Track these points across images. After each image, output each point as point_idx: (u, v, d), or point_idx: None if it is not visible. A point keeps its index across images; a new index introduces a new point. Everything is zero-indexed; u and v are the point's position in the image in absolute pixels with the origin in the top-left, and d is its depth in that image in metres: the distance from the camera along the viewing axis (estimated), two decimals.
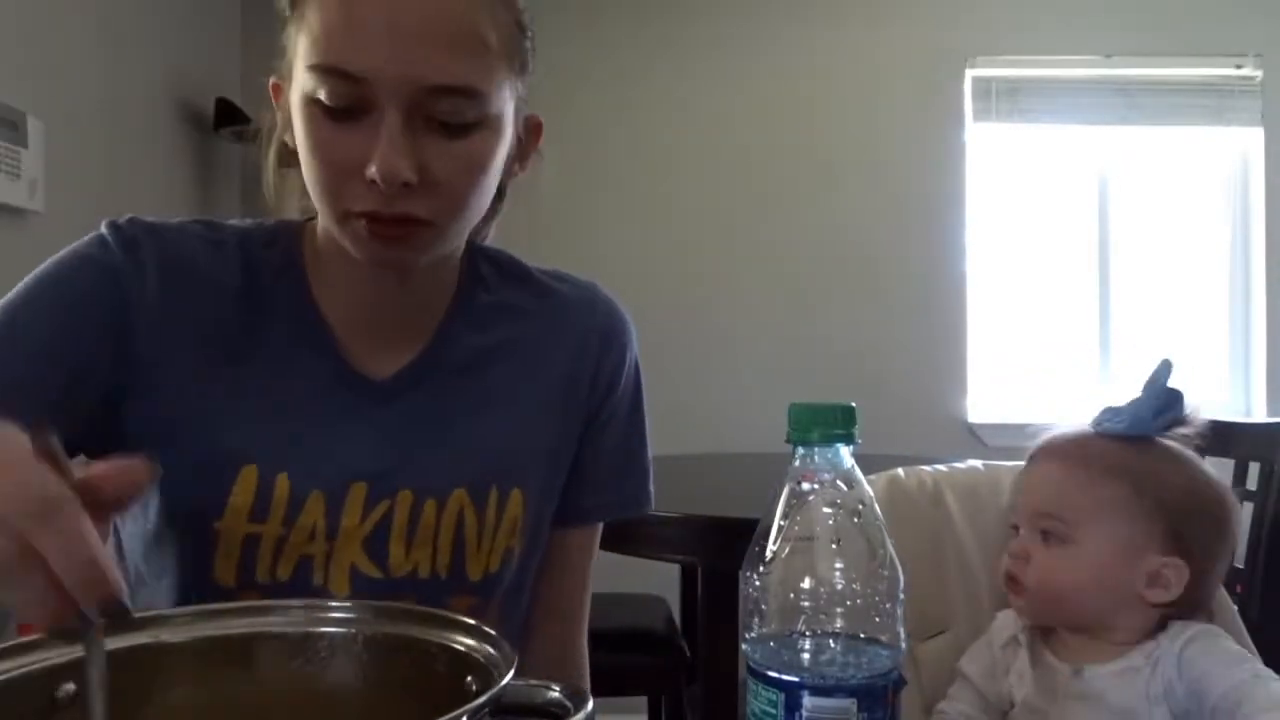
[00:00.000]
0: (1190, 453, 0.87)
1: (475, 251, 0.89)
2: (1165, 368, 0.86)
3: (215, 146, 2.98)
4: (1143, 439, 0.86)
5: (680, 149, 3.22)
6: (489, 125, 0.73)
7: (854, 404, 0.54)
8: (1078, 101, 3.25)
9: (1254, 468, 1.89)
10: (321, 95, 0.69)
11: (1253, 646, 0.92)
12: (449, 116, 0.70)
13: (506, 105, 0.75)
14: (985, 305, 3.26)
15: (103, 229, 0.77)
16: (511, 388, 0.85)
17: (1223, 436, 2.00)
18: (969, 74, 3.22)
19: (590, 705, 0.47)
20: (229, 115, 2.86)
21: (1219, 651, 0.79)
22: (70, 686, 0.49)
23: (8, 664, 0.48)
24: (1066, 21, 3.19)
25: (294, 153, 0.75)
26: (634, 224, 3.21)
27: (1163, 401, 0.85)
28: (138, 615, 0.52)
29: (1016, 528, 0.89)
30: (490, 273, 0.89)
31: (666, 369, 3.16)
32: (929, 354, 3.18)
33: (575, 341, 0.88)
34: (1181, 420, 0.86)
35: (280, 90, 0.77)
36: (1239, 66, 3.19)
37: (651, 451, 0.94)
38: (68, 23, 2.20)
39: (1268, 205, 3.20)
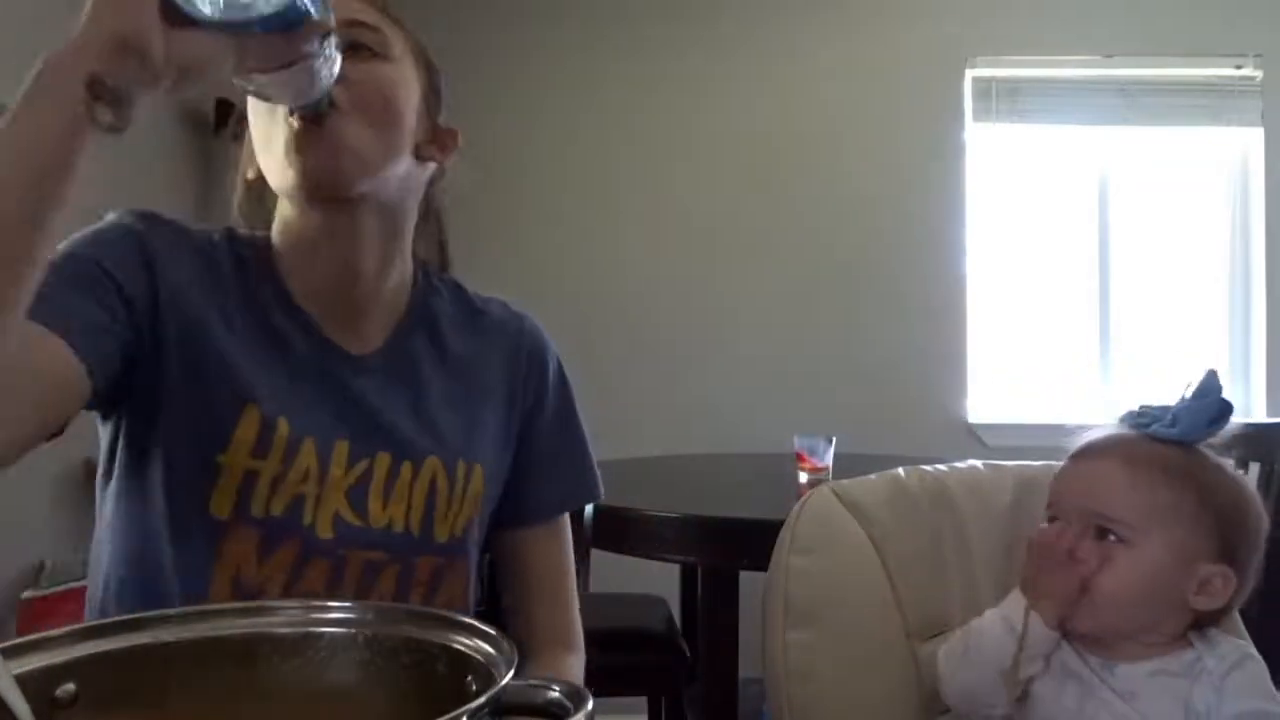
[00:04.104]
0: (1228, 461, 0.88)
1: (424, 268, 0.99)
2: (1213, 378, 0.86)
3: (215, 147, 2.97)
4: (1187, 446, 0.86)
5: (680, 150, 3.22)
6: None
7: None
8: (1078, 101, 3.25)
9: (1254, 468, 1.89)
10: None
11: (1253, 647, 0.92)
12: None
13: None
14: (985, 305, 3.25)
15: (111, 215, 0.84)
16: (465, 383, 0.95)
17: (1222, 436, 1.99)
18: (969, 74, 3.22)
19: (590, 705, 0.47)
20: (229, 116, 2.86)
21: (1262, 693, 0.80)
22: (70, 686, 0.49)
23: (8, 664, 0.48)
24: (1066, 21, 3.19)
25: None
26: (633, 225, 3.21)
27: (1216, 411, 0.85)
28: (137, 616, 0.52)
29: (1054, 519, 0.88)
30: (440, 286, 0.99)
31: (667, 370, 3.17)
32: (929, 354, 3.18)
33: (509, 356, 0.99)
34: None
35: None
36: (1239, 67, 3.19)
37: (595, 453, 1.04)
38: (68, 23, 2.20)
39: (1268, 205, 3.20)
